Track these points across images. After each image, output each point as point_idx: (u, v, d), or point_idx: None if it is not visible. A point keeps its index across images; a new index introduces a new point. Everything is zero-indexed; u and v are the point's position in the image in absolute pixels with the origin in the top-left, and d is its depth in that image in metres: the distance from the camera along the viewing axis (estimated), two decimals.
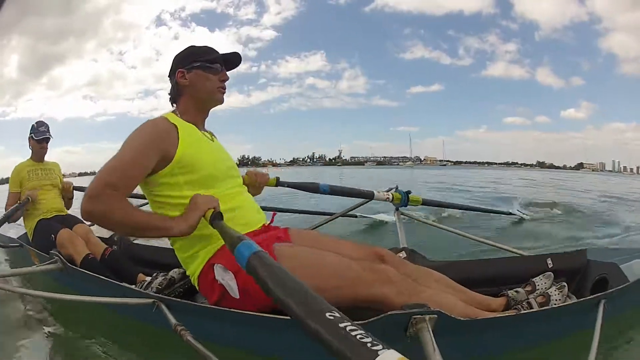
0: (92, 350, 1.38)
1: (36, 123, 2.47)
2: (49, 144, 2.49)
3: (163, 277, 1.57)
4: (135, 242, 2.26)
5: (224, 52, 1.31)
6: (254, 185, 1.49)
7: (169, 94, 1.31)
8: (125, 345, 1.39)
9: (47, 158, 2.53)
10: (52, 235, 2.09)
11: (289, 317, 1.01)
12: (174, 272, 1.59)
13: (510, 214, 4.00)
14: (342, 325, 0.47)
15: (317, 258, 1.09)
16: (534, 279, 1.39)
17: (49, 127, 2.48)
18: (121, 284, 1.47)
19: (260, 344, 1.12)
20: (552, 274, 1.41)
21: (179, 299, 1.31)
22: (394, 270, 1.08)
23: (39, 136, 2.44)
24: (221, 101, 1.30)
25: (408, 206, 2.49)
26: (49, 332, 1.51)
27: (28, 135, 2.46)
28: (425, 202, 2.62)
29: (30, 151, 2.48)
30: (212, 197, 1.11)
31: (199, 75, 1.24)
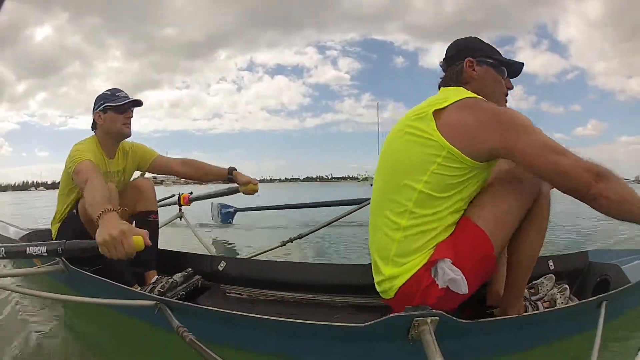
0: (94, 352, 1.38)
1: (109, 90, 1.72)
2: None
3: (166, 280, 1.57)
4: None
5: (510, 59, 1.21)
6: None
7: (443, 79, 1.22)
8: (127, 347, 1.39)
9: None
10: (74, 210, 1.64)
11: (292, 320, 1.03)
12: (177, 276, 1.60)
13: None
14: None
15: (497, 200, 1.07)
16: (535, 281, 1.39)
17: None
18: (123, 286, 1.47)
19: (262, 344, 1.12)
20: (553, 275, 1.41)
21: (181, 301, 1.32)
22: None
23: (120, 101, 1.66)
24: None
25: None
26: (50, 333, 1.51)
27: (94, 110, 1.70)
28: None
29: (97, 137, 1.71)
30: None
31: (490, 73, 1.17)
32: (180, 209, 2.86)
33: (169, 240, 3.39)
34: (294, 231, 2.52)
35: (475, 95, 1.08)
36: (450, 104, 1.03)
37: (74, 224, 1.66)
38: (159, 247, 1.88)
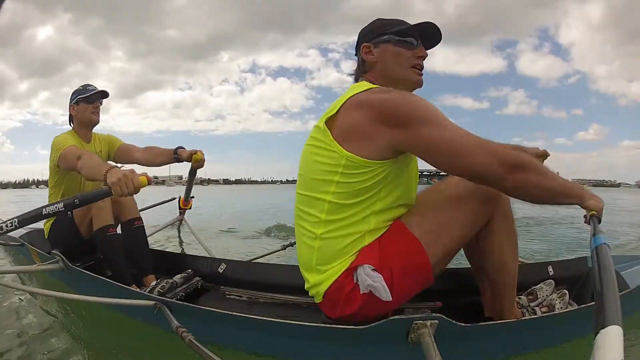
0: (93, 351, 1.38)
1: (81, 86, 1.95)
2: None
3: (165, 281, 1.58)
4: None
5: (417, 23, 1.09)
6: None
7: (354, 71, 1.15)
8: (127, 347, 1.39)
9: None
10: (69, 212, 1.73)
11: (291, 322, 1.03)
12: (177, 277, 1.60)
13: None
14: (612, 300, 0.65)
15: (438, 212, 1.05)
16: (535, 288, 1.39)
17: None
18: (123, 285, 1.47)
19: (261, 346, 1.12)
20: (552, 281, 1.41)
21: (180, 302, 1.32)
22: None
23: (88, 92, 1.88)
24: (418, 83, 1.09)
25: None
26: (48, 331, 1.51)
27: (69, 105, 1.92)
28: None
29: (74, 128, 1.94)
30: None
31: (389, 50, 1.07)
32: (180, 212, 2.87)
33: (169, 241, 3.41)
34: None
35: (370, 85, 1.02)
36: (340, 107, 0.99)
37: (66, 222, 1.77)
38: (159, 248, 1.90)
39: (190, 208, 2.79)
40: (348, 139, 0.96)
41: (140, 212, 1.94)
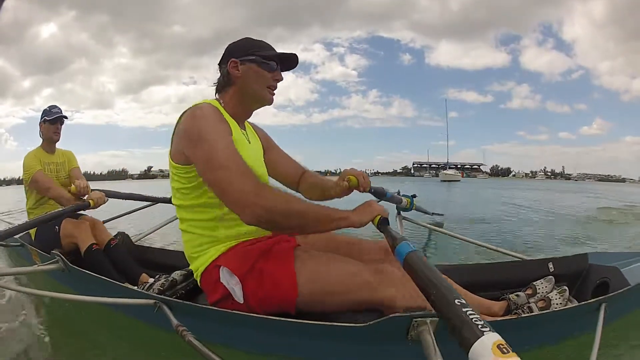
0: (93, 351, 1.38)
1: (48, 106, 2.29)
2: (62, 127, 2.27)
3: (165, 279, 1.57)
4: (137, 243, 2.26)
5: (282, 52, 1.21)
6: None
7: (216, 83, 1.23)
8: (127, 345, 1.39)
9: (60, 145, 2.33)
10: (56, 227, 2.00)
11: (290, 319, 1.03)
12: (176, 274, 1.59)
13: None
14: (464, 310, 0.62)
15: (327, 264, 1.09)
16: (534, 283, 1.39)
17: (61, 110, 2.28)
18: (123, 284, 1.47)
19: (261, 345, 1.12)
20: (553, 277, 1.41)
21: (180, 300, 1.32)
22: (399, 273, 1.06)
23: (52, 116, 2.22)
24: (270, 102, 1.22)
25: (411, 210, 2.49)
26: (49, 331, 1.51)
27: (39, 122, 2.27)
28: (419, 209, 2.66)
29: (43, 141, 2.28)
30: (382, 206, 1.13)
31: (253, 69, 1.17)
32: None
33: (169, 239, 3.40)
34: None
35: (202, 102, 1.14)
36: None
37: (51, 236, 2.01)
38: (159, 247, 1.91)
39: None
40: (173, 150, 1.13)
41: (139, 211, 1.97)
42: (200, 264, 1.16)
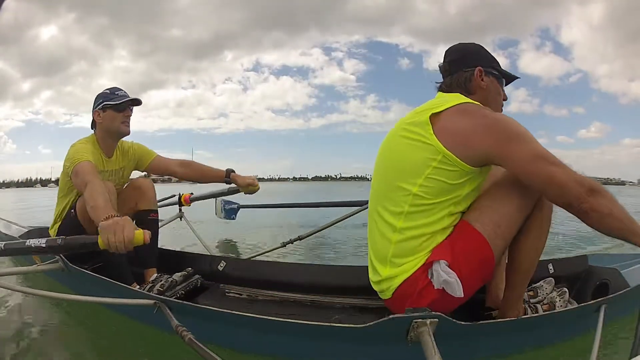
0: (93, 351, 1.38)
1: (108, 89, 1.72)
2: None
3: (165, 279, 1.57)
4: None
5: (508, 72, 1.23)
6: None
7: (445, 84, 1.21)
8: (126, 346, 1.39)
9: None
10: (72, 211, 1.63)
11: (291, 320, 1.03)
12: (177, 275, 1.59)
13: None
14: None
15: (492, 202, 1.08)
16: (535, 285, 1.39)
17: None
18: (122, 285, 1.47)
19: (261, 345, 1.13)
20: (553, 279, 1.41)
21: (180, 301, 1.32)
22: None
23: (119, 99, 1.67)
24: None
25: None
26: (49, 331, 1.51)
27: (94, 109, 1.70)
28: None
29: (96, 135, 1.72)
30: None
31: (494, 84, 1.19)
32: (180, 209, 2.87)
33: (169, 240, 3.41)
34: (294, 230, 2.53)
35: (468, 100, 1.09)
36: (448, 108, 1.04)
37: (72, 224, 1.65)
38: (159, 246, 1.89)
39: (189, 205, 2.78)
40: (448, 138, 1.01)
41: None
42: (404, 271, 1.05)
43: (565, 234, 3.84)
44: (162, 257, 1.97)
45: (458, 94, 1.13)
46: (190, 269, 1.73)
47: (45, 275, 1.86)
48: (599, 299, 1.15)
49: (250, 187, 1.99)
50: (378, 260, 1.12)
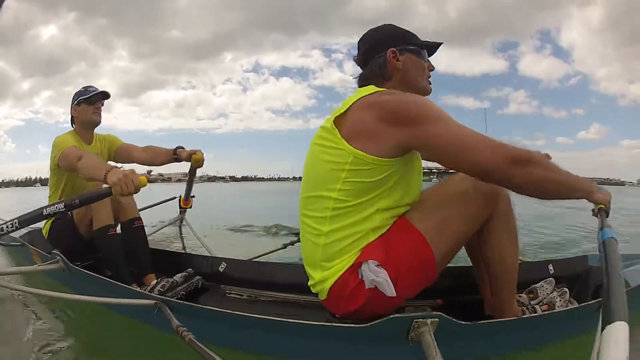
0: (93, 351, 1.38)
1: (82, 87, 1.97)
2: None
3: (166, 280, 1.58)
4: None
5: (429, 41, 1.17)
6: None
7: (362, 75, 1.16)
8: (127, 346, 1.39)
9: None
10: (69, 213, 1.75)
11: (291, 320, 1.03)
12: (178, 276, 1.60)
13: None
14: (619, 296, 0.65)
15: (437, 206, 1.07)
16: (535, 285, 1.39)
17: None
18: (123, 285, 1.47)
19: (262, 345, 1.13)
20: (553, 279, 1.41)
21: (181, 301, 1.32)
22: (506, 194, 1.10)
23: (89, 94, 1.89)
24: (429, 92, 1.16)
25: None
26: (49, 332, 1.51)
27: (71, 106, 1.93)
28: None
29: (75, 129, 1.94)
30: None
31: (412, 59, 1.12)
32: (180, 211, 2.87)
33: (170, 241, 3.40)
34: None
35: (377, 89, 1.04)
36: (350, 106, 1.01)
37: (67, 224, 1.78)
38: (160, 248, 1.90)
39: (190, 207, 2.78)
40: (356, 137, 0.99)
41: (140, 212, 1.94)
42: (333, 274, 1.05)
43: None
44: (163, 258, 1.97)
45: (370, 86, 1.08)
46: (191, 269, 1.73)
47: (45, 275, 1.86)
48: (599, 299, 1.15)
49: (193, 157, 2.04)
50: (309, 265, 1.12)
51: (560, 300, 1.30)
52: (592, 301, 1.16)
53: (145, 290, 1.56)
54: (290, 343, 1.08)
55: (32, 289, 1.49)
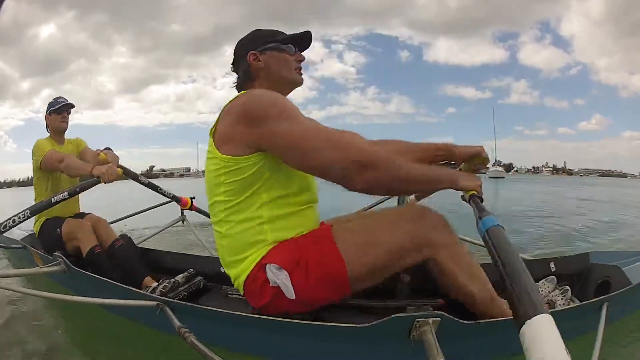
0: (95, 353, 1.38)
1: (53, 99, 2.29)
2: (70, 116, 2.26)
3: (167, 281, 1.58)
4: (140, 245, 2.26)
5: (295, 33, 1.21)
6: None
7: (236, 82, 1.22)
8: (129, 347, 1.40)
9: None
10: (58, 230, 1.99)
11: (293, 321, 1.03)
12: (179, 277, 1.60)
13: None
14: (531, 286, 0.64)
15: (364, 228, 1.09)
16: (536, 283, 1.39)
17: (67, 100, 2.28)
18: (125, 286, 1.48)
19: (263, 346, 1.13)
20: (555, 277, 1.41)
21: (182, 302, 1.32)
22: (440, 218, 1.08)
23: (58, 105, 2.22)
24: (301, 82, 1.21)
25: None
26: (51, 333, 1.51)
27: (45, 115, 2.27)
28: None
29: (49, 134, 2.27)
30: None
31: (274, 56, 1.17)
32: (182, 213, 2.88)
33: (171, 242, 3.41)
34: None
35: (241, 92, 1.11)
36: (218, 119, 1.09)
37: (53, 235, 2.01)
38: (161, 248, 1.91)
39: (190, 208, 2.78)
40: (224, 143, 1.06)
41: (141, 214, 1.98)
42: (243, 271, 1.09)
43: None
44: (164, 259, 1.97)
45: (243, 90, 1.15)
46: (192, 270, 1.73)
47: (47, 277, 1.87)
48: (601, 297, 1.15)
49: (98, 159, 2.10)
50: (225, 266, 1.16)
51: (561, 299, 1.30)
52: (594, 299, 1.16)
53: (147, 291, 1.56)
54: (292, 343, 1.07)
55: (34, 291, 1.49)
